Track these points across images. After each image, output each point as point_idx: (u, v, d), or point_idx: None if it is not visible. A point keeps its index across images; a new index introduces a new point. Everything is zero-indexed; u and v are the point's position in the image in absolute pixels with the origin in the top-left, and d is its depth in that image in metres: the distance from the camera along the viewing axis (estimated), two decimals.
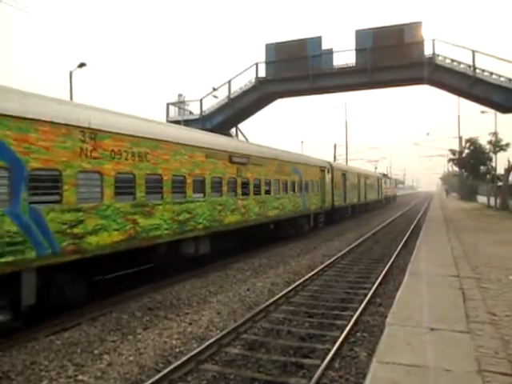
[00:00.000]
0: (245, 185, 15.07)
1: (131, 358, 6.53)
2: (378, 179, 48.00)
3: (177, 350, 6.89)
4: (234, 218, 14.16)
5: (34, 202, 7.46)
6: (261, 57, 28.41)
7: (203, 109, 29.43)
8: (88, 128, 8.51)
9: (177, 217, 11.11)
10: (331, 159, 48.88)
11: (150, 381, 5.53)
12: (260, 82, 27.77)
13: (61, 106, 8.45)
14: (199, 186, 12.32)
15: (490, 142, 36.08)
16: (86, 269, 8.74)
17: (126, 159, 9.46)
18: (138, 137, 9.84)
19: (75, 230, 8.13)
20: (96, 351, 6.85)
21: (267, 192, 16.98)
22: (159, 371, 5.96)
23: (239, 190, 14.60)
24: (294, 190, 19.81)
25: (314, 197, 22.66)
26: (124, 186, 9.45)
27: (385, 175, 60.93)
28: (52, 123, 7.80)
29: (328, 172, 25.50)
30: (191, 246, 12.14)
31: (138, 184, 9.83)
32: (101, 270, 9.62)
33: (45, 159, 7.65)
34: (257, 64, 28.04)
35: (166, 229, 10.65)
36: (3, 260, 6.85)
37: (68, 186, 8.05)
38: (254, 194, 15.78)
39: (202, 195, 12.41)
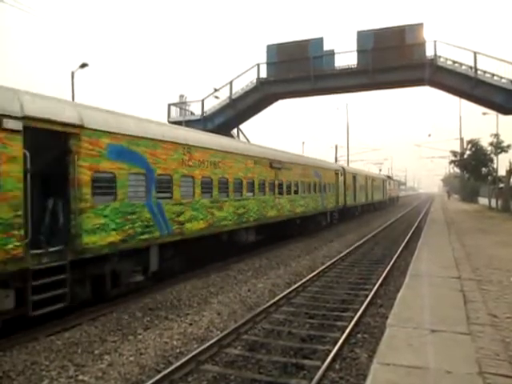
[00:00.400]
0: (280, 186, 18.09)
1: (132, 359, 6.54)
2: (382, 181, 50.87)
3: (177, 350, 6.89)
4: (273, 212, 17.25)
5: (159, 197, 10.39)
6: (262, 58, 28.43)
7: (204, 109, 29.44)
8: (186, 144, 11.55)
9: (236, 210, 14.18)
10: (332, 160, 49.22)
11: (151, 381, 5.53)
12: (261, 82, 27.77)
13: (170, 129, 12.18)
14: (250, 187, 15.41)
15: (491, 144, 36.05)
16: (184, 247, 11.51)
17: (207, 167, 12.49)
18: (215, 150, 13.02)
19: (179, 218, 11.10)
20: (97, 351, 6.85)
21: (295, 192, 19.87)
22: (160, 371, 5.97)
23: (276, 190, 17.65)
24: (315, 191, 22.76)
25: (330, 196, 25.73)
26: (206, 187, 12.44)
27: (389, 177, 62.90)
28: (168, 142, 10.78)
29: (341, 175, 28.32)
30: (243, 234, 15.11)
31: (214, 185, 12.87)
32: (192, 250, 12.05)
33: (164, 167, 10.57)
34: (258, 65, 28.05)
35: (230, 220, 13.69)
36: (142, 237, 9.74)
37: (175, 186, 11.01)
38: (286, 194, 18.78)
39: (252, 194, 15.46)
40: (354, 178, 33.00)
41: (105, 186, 8.89)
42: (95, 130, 8.55)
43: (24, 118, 7.07)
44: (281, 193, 18.10)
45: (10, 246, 6.85)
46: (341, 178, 28.29)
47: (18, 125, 6.96)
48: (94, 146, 8.49)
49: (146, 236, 9.80)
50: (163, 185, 10.59)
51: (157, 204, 10.23)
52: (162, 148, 10.49)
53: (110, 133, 8.92)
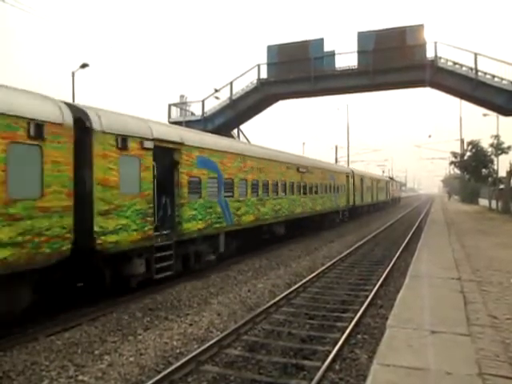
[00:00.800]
0: (304, 187, 21.40)
1: (132, 359, 6.54)
2: (386, 182, 54.80)
3: (177, 350, 6.89)
4: (299, 210, 20.57)
5: (225, 196, 13.58)
6: (263, 58, 28.44)
7: (205, 110, 29.44)
8: (242, 154, 14.95)
9: (274, 207, 17.44)
10: (333, 161, 49.39)
11: (151, 381, 5.54)
12: (262, 83, 27.77)
13: (232, 143, 16.14)
14: (283, 188, 18.69)
15: (491, 145, 36.03)
16: (239, 235, 14.77)
17: (255, 172, 15.83)
18: (261, 158, 16.44)
19: (237, 212, 14.34)
20: (96, 351, 6.85)
21: (315, 192, 23.25)
22: (160, 372, 5.97)
23: (302, 191, 21.00)
24: (330, 192, 26.22)
25: (342, 197, 29.20)
26: (254, 188, 15.80)
27: (391, 179, 65.82)
28: (232, 153, 14.12)
29: (351, 177, 31.91)
30: (277, 228, 18.36)
31: (259, 186, 16.21)
32: (244, 237, 15.23)
33: (228, 173, 13.76)
34: (259, 65, 28.05)
35: (269, 215, 16.98)
36: (216, 226, 12.94)
37: (235, 187, 14.24)
38: (309, 194, 22.15)
39: (284, 194, 18.71)
40: (362, 180, 35.90)
41: (195, 187, 11.94)
42: (190, 145, 11.75)
43: (154, 140, 10.13)
44: (305, 193, 21.53)
45: (146, 228, 9.83)
46: (350, 180, 31.58)
47: (151, 144, 10.03)
48: (189, 158, 11.70)
49: (217, 225, 13.07)
50: (228, 186, 13.85)
51: (224, 201, 13.51)
52: (227, 158, 13.76)
53: (198, 147, 12.13)
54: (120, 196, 9.15)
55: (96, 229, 8.48)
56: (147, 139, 9.90)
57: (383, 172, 78.14)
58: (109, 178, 8.89)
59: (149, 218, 9.89)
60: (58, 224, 7.71)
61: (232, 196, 14.02)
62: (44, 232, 7.44)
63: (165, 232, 10.78)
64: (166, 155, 10.91)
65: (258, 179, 16.00)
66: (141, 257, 9.85)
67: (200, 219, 12.06)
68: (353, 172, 33.23)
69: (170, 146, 10.94)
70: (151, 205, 9.99)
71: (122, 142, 9.25)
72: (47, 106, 7.83)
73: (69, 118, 8.08)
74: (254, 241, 16.59)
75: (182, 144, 11.28)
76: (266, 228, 17.26)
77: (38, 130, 7.39)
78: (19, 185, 7.12)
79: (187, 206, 11.50)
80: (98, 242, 8.52)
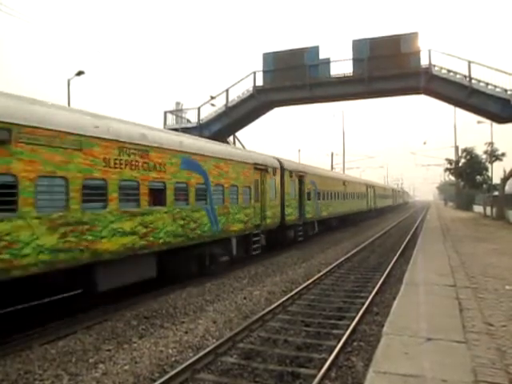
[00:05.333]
0: (345, 195, 31.20)
1: (126, 367, 6.48)
2: (392, 191, 70.80)
3: (173, 358, 6.84)
4: (345, 210, 30.61)
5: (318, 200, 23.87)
6: (258, 66, 28.56)
7: (201, 117, 29.48)
8: (315, 175, 24.05)
9: (337, 207, 27.96)
10: (328, 167, 49.67)
11: None
12: (257, 90, 27.87)
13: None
14: (341, 195, 29.24)
15: (486, 152, 36.30)
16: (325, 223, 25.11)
17: (329, 186, 26.79)
18: (333, 178, 27.88)
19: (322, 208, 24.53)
20: (91, 360, 6.80)
21: (353, 197, 34.17)
22: (155, 380, 5.92)
23: (345, 197, 31.45)
24: (362, 198, 37.75)
25: (363, 202, 39.19)
26: (327, 196, 26.09)
27: (393, 189, 79.02)
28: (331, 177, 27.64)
29: (371, 187, 43.29)
30: (336, 220, 28.01)
31: (333, 195, 27.27)
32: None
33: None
34: (254, 73, 28.15)
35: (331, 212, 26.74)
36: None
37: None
38: (349, 199, 32.33)
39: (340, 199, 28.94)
40: (374, 188, 46.22)
41: (310, 195, 22.23)
42: (286, 169, 19.02)
43: (282, 169, 18.58)
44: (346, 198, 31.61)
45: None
46: (369, 190, 42.69)
47: (279, 171, 18.12)
48: (289, 177, 19.37)
49: (315, 216, 22.68)
50: (320, 195, 24.34)
51: (317, 203, 22.97)
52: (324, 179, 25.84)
53: (292, 171, 19.68)
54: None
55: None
56: (281, 169, 18.82)
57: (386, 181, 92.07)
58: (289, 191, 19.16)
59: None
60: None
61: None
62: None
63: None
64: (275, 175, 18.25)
65: (330, 190, 26.61)
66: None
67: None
68: (372, 184, 46.57)
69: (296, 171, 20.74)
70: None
71: (290, 173, 19.52)
72: (274, 161, 18.02)
73: (278, 165, 18.11)
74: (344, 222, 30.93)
75: (281, 168, 18.68)
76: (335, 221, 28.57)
77: (274, 171, 17.51)
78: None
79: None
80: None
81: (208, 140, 15.49)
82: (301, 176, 21.03)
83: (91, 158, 8.54)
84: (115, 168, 9.12)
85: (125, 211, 9.35)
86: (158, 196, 10.56)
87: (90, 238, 8.36)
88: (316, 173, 24.39)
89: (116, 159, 9.16)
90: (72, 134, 8.14)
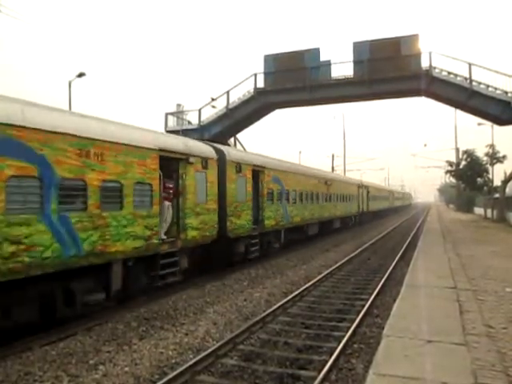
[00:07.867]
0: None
1: (127, 369, 6.48)
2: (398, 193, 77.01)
3: (173, 360, 6.84)
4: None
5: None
6: (259, 68, 28.59)
7: (202, 119, 29.50)
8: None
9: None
10: (329, 169, 49.70)
11: None
12: (258, 92, 27.88)
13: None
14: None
15: (486, 154, 36.28)
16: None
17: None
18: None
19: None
20: (91, 362, 6.79)
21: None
22: (155, 382, 5.93)
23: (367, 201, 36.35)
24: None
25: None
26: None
27: (398, 192, 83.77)
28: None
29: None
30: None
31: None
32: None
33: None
34: (255, 75, 28.18)
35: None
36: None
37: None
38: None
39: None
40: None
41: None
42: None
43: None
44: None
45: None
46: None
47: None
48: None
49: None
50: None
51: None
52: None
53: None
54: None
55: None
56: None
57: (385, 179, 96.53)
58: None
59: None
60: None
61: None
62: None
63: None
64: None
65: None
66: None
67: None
68: (392, 190, 59.52)
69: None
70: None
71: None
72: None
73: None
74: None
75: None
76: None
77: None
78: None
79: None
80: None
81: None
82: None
83: None
84: None
85: None
86: None
87: None
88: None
89: None
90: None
